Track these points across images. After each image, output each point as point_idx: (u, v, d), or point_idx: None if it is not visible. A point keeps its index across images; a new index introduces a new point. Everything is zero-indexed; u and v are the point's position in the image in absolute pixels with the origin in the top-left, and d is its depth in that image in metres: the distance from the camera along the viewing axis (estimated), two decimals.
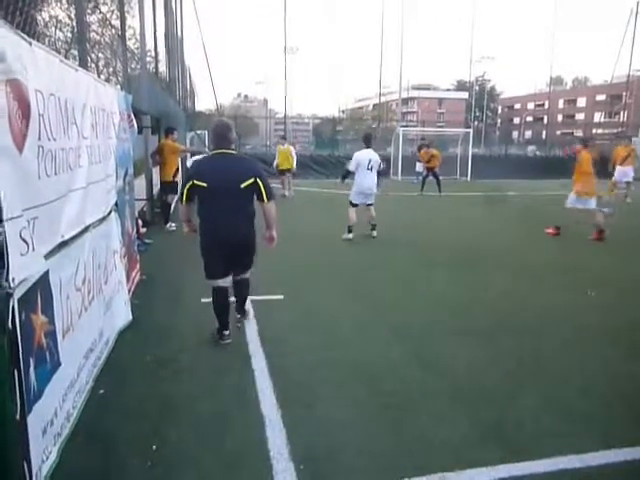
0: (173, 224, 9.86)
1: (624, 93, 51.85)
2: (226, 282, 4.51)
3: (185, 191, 4.35)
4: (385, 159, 17.92)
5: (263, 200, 4.37)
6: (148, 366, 4.04)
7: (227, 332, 4.51)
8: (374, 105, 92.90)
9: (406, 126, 39.74)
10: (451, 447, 3.01)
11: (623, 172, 15.40)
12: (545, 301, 5.87)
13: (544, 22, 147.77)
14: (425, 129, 31.12)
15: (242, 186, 4.24)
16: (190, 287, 6.01)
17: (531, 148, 37.78)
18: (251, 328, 4.82)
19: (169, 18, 15.17)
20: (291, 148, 16.59)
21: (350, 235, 9.27)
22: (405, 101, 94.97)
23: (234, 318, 4.85)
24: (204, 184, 4.24)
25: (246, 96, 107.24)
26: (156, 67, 12.42)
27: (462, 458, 2.89)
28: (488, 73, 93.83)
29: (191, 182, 4.28)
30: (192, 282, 6.13)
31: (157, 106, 10.41)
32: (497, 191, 18.05)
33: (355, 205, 9.41)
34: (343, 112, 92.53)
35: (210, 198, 4.27)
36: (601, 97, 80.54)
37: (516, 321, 5.20)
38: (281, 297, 5.77)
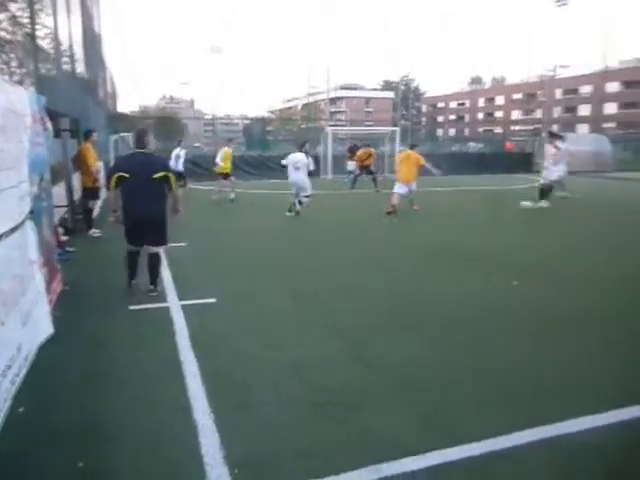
0: (97, 230, 9.47)
1: (538, 92, 54.85)
2: (137, 248, 5.83)
3: (113, 180, 5.61)
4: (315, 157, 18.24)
5: (171, 189, 5.75)
6: (72, 380, 3.85)
7: (134, 281, 5.89)
8: (303, 105, 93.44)
9: (335, 125, 40.09)
10: (389, 439, 3.06)
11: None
12: (476, 292, 6.09)
13: (465, 24, 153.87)
14: (353, 128, 31.63)
15: (154, 177, 5.54)
16: (117, 295, 5.80)
17: (472, 144, 39.25)
18: (182, 334, 4.70)
19: (86, 17, 14.56)
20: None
21: (290, 213, 11.70)
22: (333, 101, 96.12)
23: (147, 288, 5.85)
24: (127, 175, 5.56)
25: (172, 97, 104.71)
26: (73, 67, 11.86)
27: (399, 448, 2.94)
28: (412, 73, 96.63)
29: (117, 173, 5.60)
30: (119, 290, 5.92)
31: (75, 108, 9.95)
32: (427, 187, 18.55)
33: (306, 197, 11.65)
34: (272, 112, 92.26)
35: (130, 185, 5.57)
36: (518, 96, 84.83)
37: (449, 313, 5.36)
38: (214, 300, 5.65)
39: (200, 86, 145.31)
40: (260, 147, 30.54)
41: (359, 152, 18.66)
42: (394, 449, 2.93)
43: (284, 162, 11.97)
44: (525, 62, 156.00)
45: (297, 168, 11.43)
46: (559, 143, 13.99)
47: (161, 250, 6.02)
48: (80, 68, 13.76)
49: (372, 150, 18.60)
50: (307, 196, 11.63)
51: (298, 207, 11.67)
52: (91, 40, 15.60)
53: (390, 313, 5.36)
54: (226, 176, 15.33)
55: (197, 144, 41.81)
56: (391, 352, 4.37)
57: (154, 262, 5.88)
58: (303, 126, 46.67)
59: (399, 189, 12.32)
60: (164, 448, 2.99)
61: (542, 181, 14.08)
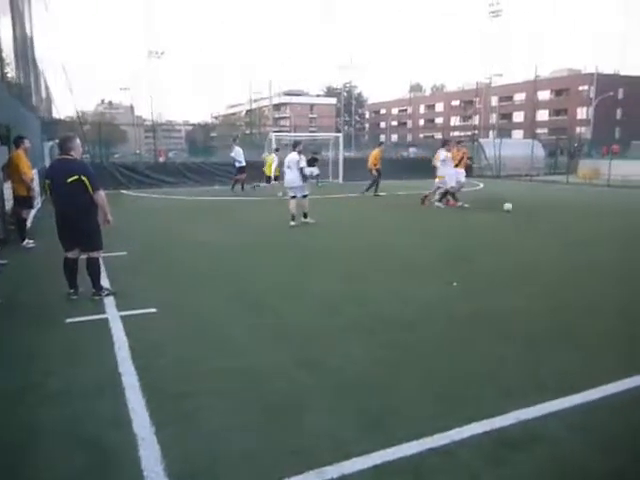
0: (30, 241, 9.07)
1: (475, 99, 56.90)
2: (74, 254, 5.87)
3: (46, 186, 5.89)
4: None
5: (90, 191, 5.64)
6: (9, 396, 3.68)
7: (72, 290, 5.87)
8: (247, 111, 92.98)
9: (279, 131, 40.10)
10: (333, 441, 3.08)
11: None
12: (416, 293, 6.24)
13: (405, 31, 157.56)
14: (297, 134, 31.68)
15: (68, 181, 5.57)
16: (53, 308, 5.58)
17: (412, 150, 40.07)
18: (121, 345, 4.57)
19: (17, 19, 13.99)
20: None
21: (292, 222, 11.22)
22: (277, 107, 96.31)
23: (90, 291, 5.91)
24: (49, 180, 5.77)
25: (110, 102, 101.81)
26: (2, 71, 11.36)
27: (342, 450, 2.96)
28: (355, 80, 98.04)
29: (46, 180, 5.83)
30: (55, 302, 5.72)
31: (4, 113, 9.53)
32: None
33: (292, 197, 11.40)
34: (216, 118, 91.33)
35: (54, 190, 5.76)
36: (456, 102, 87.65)
37: (392, 314, 5.46)
38: (154, 310, 5.52)
39: (141, 92, 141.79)
40: (204, 154, 30.16)
41: (375, 152, 18.51)
42: (337, 452, 2.96)
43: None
44: (462, 70, 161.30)
45: (289, 167, 11.30)
46: (444, 151, 14.64)
47: (97, 255, 5.95)
48: (10, 72, 13.20)
49: (380, 150, 18.85)
50: (304, 196, 11.46)
51: (305, 219, 11.53)
52: (22, 43, 14.99)
53: (334, 316, 5.41)
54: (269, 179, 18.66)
55: (137, 150, 40.74)
56: (335, 355, 4.40)
57: (89, 267, 5.90)
58: (247, 132, 46.43)
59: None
60: (103, 463, 2.90)
61: (441, 186, 14.69)
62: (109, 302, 5.78)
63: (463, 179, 15.19)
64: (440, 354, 4.44)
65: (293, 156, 11.23)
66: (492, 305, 5.77)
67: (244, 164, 19.76)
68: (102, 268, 7.15)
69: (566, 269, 7.58)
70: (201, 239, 9.86)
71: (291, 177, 11.30)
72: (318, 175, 21.93)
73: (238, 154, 19.77)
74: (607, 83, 62.63)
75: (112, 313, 5.43)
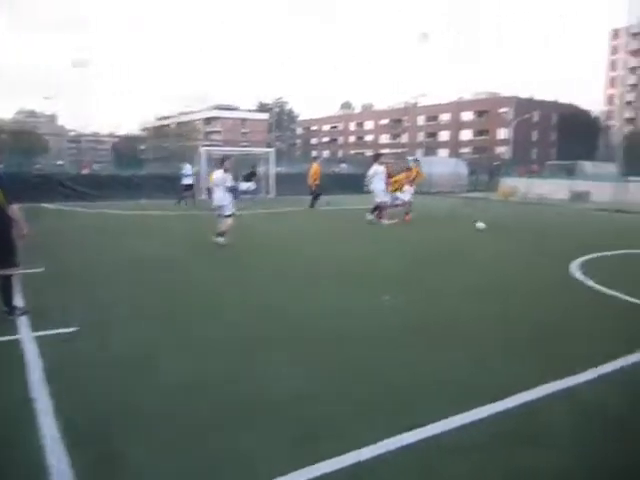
0: None
1: (403, 118, 58.80)
2: None
3: None
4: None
5: (4, 205, 5.34)
6: None
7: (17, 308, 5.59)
8: (177, 124, 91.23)
9: (210, 145, 39.58)
10: (264, 458, 3.02)
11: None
12: (346, 306, 6.27)
13: (337, 49, 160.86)
14: (229, 148, 31.44)
15: None
16: None
17: (343, 166, 40.69)
18: (35, 368, 4.26)
19: None
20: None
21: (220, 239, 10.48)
22: (208, 120, 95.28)
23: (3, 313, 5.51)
24: None
25: (32, 111, 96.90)
26: None
27: (274, 467, 2.90)
28: (286, 96, 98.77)
29: None
30: None
31: None
32: (297, 206, 18.97)
33: (225, 215, 10.73)
34: (145, 130, 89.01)
35: None
36: (385, 121, 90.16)
37: (321, 327, 5.46)
38: (72, 330, 5.21)
39: (64, 101, 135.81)
40: (131, 166, 29.25)
41: (314, 167, 19.19)
42: (267, 470, 2.89)
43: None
44: (391, 89, 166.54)
45: (216, 185, 10.88)
46: (376, 165, 15.22)
47: (11, 272, 5.54)
48: None
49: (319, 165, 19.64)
50: (227, 215, 10.63)
51: (217, 239, 10.41)
52: None
53: (260, 328, 5.33)
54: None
55: (60, 162, 38.96)
56: (258, 366, 4.34)
57: (4, 285, 5.53)
58: (179, 144, 45.56)
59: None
60: None
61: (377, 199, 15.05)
62: (23, 322, 5.41)
63: (409, 197, 15.67)
64: (370, 365, 4.46)
65: (219, 174, 10.86)
66: (424, 316, 5.90)
67: (190, 182, 20.22)
68: (17, 286, 6.74)
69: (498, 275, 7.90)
70: (123, 254, 9.50)
71: (219, 196, 10.76)
72: (254, 190, 22.02)
73: (187, 171, 20.35)
74: (524, 106, 66.59)
75: (26, 334, 5.07)
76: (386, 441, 3.17)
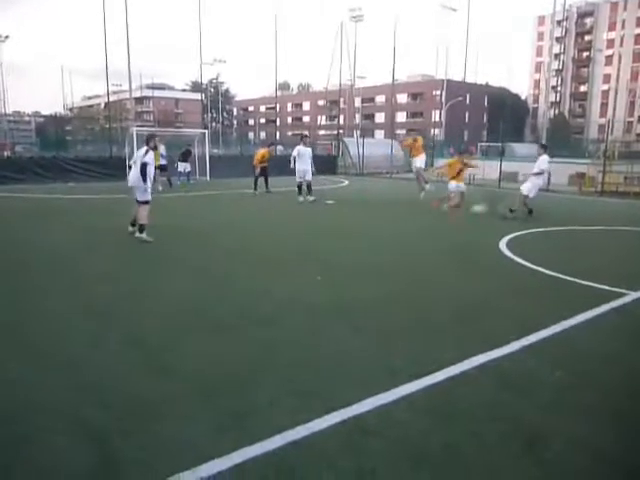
0: None
1: (340, 99, 58.98)
2: None
3: None
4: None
5: None
6: None
7: None
8: (105, 103, 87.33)
9: (142, 126, 38.24)
10: (190, 446, 2.98)
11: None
12: (279, 287, 6.28)
13: (273, 29, 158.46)
14: (162, 129, 30.53)
15: None
16: None
17: (279, 147, 40.12)
18: None
19: None
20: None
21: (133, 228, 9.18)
22: (140, 100, 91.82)
23: None
24: None
25: None
26: None
27: (200, 454, 2.88)
28: (222, 76, 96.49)
29: None
30: None
31: None
32: (234, 189, 18.73)
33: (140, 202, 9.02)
34: (71, 110, 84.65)
35: None
36: (322, 102, 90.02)
37: (256, 311, 5.44)
38: None
39: None
40: (57, 148, 27.79)
41: (262, 151, 18.25)
42: (190, 456, 2.87)
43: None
44: (328, 71, 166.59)
45: (134, 162, 9.04)
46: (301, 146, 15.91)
47: None
48: None
49: (268, 150, 18.58)
50: (142, 202, 8.86)
51: (138, 234, 8.92)
52: None
53: (190, 315, 5.26)
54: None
55: None
56: (191, 356, 4.29)
57: None
58: (107, 125, 43.59)
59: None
60: None
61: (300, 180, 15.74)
62: None
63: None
64: (297, 346, 4.51)
65: (140, 151, 9.03)
66: (349, 297, 6.00)
67: (163, 162, 19.20)
68: None
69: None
70: (48, 242, 9.07)
71: (131, 175, 9.01)
72: (189, 172, 21.48)
73: (162, 152, 19.32)
74: (456, 89, 68.35)
75: None
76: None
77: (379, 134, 73.61)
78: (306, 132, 24.88)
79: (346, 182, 24.50)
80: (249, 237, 9.93)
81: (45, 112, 77.13)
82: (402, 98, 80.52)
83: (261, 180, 17.86)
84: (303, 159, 15.64)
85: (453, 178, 13.52)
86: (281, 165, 26.34)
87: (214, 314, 5.34)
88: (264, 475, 2.75)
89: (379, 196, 18.41)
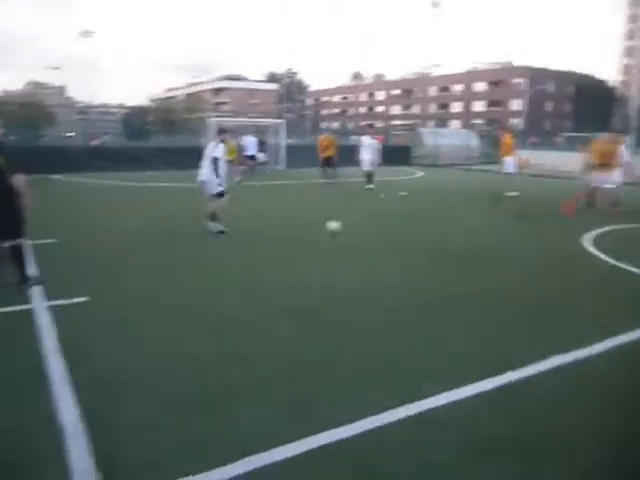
0: None
1: (414, 89, 57.91)
2: None
3: None
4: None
5: (7, 173, 5.29)
6: None
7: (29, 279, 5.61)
8: (186, 95, 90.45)
9: (219, 116, 39.31)
10: (259, 430, 3.07)
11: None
12: (347, 280, 6.30)
13: (348, 19, 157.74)
14: (238, 119, 31.23)
15: None
16: None
17: (354, 138, 40.12)
18: (48, 337, 4.36)
19: None
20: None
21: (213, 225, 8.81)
22: (217, 91, 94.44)
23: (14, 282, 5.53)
24: None
25: (40, 82, 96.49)
26: None
27: (270, 439, 2.95)
28: (296, 66, 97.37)
29: None
30: None
31: None
32: (308, 179, 18.89)
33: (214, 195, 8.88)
34: (153, 102, 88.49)
35: None
36: (396, 91, 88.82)
37: (326, 302, 5.49)
38: (86, 299, 5.30)
39: (73, 72, 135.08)
40: (140, 138, 29.20)
41: (320, 138, 17.48)
42: (255, 441, 2.94)
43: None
44: (403, 59, 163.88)
45: (205, 158, 8.73)
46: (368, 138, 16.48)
47: (19, 243, 5.53)
48: None
49: (332, 138, 17.45)
50: (217, 194, 8.73)
51: (211, 228, 8.78)
52: None
53: (267, 304, 5.38)
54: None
55: (70, 133, 38.91)
56: (266, 343, 4.39)
57: (13, 256, 5.54)
58: (186, 116, 45.29)
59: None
60: (28, 461, 2.77)
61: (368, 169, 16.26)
62: (36, 292, 5.50)
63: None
64: (373, 340, 4.51)
65: (210, 144, 8.93)
66: (426, 289, 5.91)
67: (251, 153, 19.95)
68: (30, 256, 6.84)
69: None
70: (135, 226, 9.56)
71: (204, 169, 8.69)
72: (265, 162, 21.93)
73: (247, 144, 20.10)
74: (539, 76, 65.31)
75: (39, 303, 5.17)
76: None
77: (455, 124, 71.77)
78: (371, 123, 24.39)
79: (420, 173, 24.09)
80: (321, 227, 10.01)
81: (129, 104, 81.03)
82: (480, 86, 77.95)
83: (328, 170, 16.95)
84: (367, 149, 16.15)
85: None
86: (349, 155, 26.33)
87: (291, 301, 5.44)
88: (335, 462, 2.79)
89: (454, 188, 17.92)
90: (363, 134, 17.01)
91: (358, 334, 4.60)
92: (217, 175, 8.67)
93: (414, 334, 4.61)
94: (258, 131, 24.40)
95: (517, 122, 64.79)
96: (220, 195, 8.80)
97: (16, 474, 2.69)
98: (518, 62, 73.74)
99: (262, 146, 22.27)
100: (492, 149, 33.10)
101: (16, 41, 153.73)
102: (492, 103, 76.33)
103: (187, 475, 2.63)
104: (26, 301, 5.23)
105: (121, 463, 2.76)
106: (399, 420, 3.17)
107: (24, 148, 20.35)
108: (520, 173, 15.77)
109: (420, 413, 3.26)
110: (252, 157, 20.15)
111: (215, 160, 8.61)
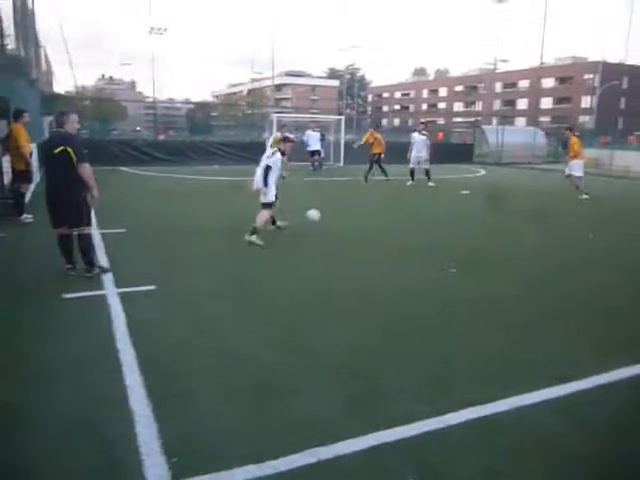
0: (29, 216, 9.04)
1: (478, 84, 56.46)
2: (63, 230, 5.77)
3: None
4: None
5: (74, 163, 5.50)
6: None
7: (69, 266, 5.88)
8: (248, 90, 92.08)
9: (280, 112, 39.78)
10: (325, 423, 3.11)
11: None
12: (408, 278, 6.24)
13: (410, 15, 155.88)
14: (299, 115, 31.54)
15: (56, 152, 5.51)
16: (50, 283, 5.58)
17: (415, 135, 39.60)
18: (119, 322, 4.58)
19: None
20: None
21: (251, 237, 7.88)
22: (279, 87, 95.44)
23: (83, 268, 5.86)
24: (45, 153, 5.93)
25: (111, 77, 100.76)
26: (2, 43, 11.21)
27: (333, 432, 2.99)
28: (358, 62, 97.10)
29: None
30: (52, 277, 5.70)
31: (4, 86, 9.43)
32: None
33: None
34: (217, 97, 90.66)
35: (45, 162, 5.98)
36: (459, 88, 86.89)
37: (382, 299, 5.47)
38: (153, 287, 5.52)
39: (142, 68, 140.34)
40: (204, 132, 29.99)
41: (365, 136, 17.75)
42: (323, 433, 2.98)
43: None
44: (467, 55, 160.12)
45: (259, 165, 8.17)
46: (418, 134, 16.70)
47: (85, 231, 5.79)
48: (10, 44, 13.04)
49: (377, 135, 17.24)
50: (263, 204, 8.02)
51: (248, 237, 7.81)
52: (23, 15, 14.78)
53: (326, 300, 5.41)
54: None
55: (137, 128, 40.50)
56: (325, 338, 4.42)
57: (81, 244, 5.80)
58: (248, 112, 46.02)
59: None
60: (98, 439, 2.92)
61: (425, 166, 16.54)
62: (107, 278, 5.78)
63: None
64: (429, 338, 4.45)
65: (267, 151, 8.40)
66: (487, 291, 5.78)
67: (314, 148, 20.37)
68: (100, 244, 7.18)
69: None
70: (200, 219, 9.83)
71: (257, 177, 8.10)
72: (323, 158, 21.97)
73: (310, 138, 20.56)
74: (612, 72, 62.11)
75: (110, 290, 5.43)
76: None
77: (520, 121, 69.46)
78: (422, 120, 23.94)
79: (482, 172, 23.50)
80: (373, 223, 9.96)
81: (194, 99, 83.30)
82: (548, 83, 75.01)
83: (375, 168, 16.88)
84: (417, 146, 16.40)
85: None
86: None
87: (342, 299, 5.46)
88: (397, 461, 2.79)
89: (519, 188, 17.37)
90: (417, 131, 16.94)
91: (424, 332, 4.56)
92: (265, 184, 7.91)
93: (483, 336, 4.52)
94: (320, 126, 24.47)
95: (587, 120, 61.94)
96: (264, 206, 8.02)
97: (89, 453, 2.84)
98: (591, 57, 70.40)
99: (322, 142, 22.30)
100: (559, 148, 31.94)
101: (94, 38, 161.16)
102: (560, 100, 73.35)
103: (246, 465, 2.70)
104: (100, 287, 5.51)
105: (188, 447, 2.86)
106: (461, 423, 3.13)
107: (95, 141, 21.37)
108: (585, 174, 14.77)
109: (484, 417, 3.20)
110: (315, 152, 20.21)
111: (267, 169, 7.90)
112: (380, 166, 16.94)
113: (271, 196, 8.00)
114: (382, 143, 17.09)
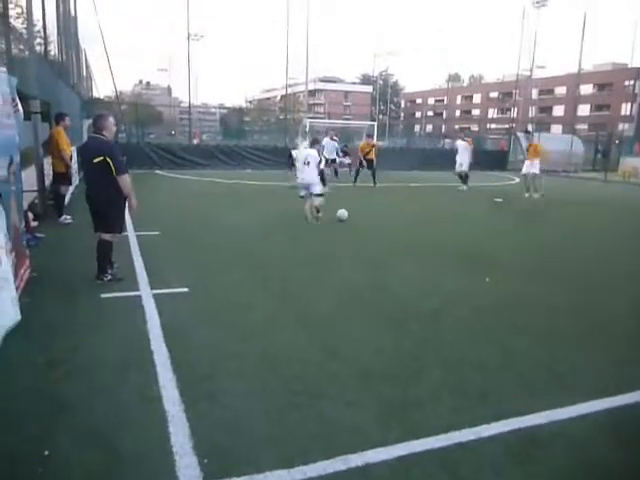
0: (68, 217, 9.28)
1: (514, 91, 55.62)
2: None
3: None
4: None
5: (113, 174, 5.44)
6: (39, 367, 3.78)
7: (106, 273, 5.78)
8: (281, 96, 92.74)
9: (313, 118, 39.94)
10: (355, 429, 3.09)
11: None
12: (445, 286, 6.16)
13: (443, 20, 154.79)
14: (332, 121, 31.60)
15: (94, 161, 5.45)
16: (87, 283, 5.70)
17: (448, 141, 39.24)
18: (153, 323, 4.65)
19: None
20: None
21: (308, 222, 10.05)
22: (312, 93, 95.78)
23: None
24: (82, 158, 6.15)
25: (148, 83, 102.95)
26: (45, 49, 11.57)
27: (365, 439, 2.97)
28: (391, 68, 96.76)
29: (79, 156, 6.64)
30: (89, 278, 5.82)
31: (46, 90, 9.72)
32: (401, 182, 18.71)
33: (301, 197, 10.45)
34: (250, 102, 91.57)
35: (83, 167, 6.21)
36: (494, 94, 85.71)
37: (420, 306, 5.42)
38: (186, 290, 5.61)
39: (178, 73, 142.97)
40: (237, 137, 30.33)
41: (360, 144, 19.23)
42: (355, 440, 2.97)
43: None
44: (502, 61, 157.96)
45: (307, 164, 10.09)
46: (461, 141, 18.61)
47: (107, 238, 5.74)
48: (53, 50, 13.44)
49: (374, 142, 19.19)
50: (318, 195, 10.13)
51: (317, 214, 10.11)
52: (66, 21, 15.23)
53: (359, 304, 5.39)
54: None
55: (172, 132, 41.19)
56: (357, 342, 4.41)
57: (98, 249, 5.74)
58: (281, 117, 46.34)
59: None
60: (132, 438, 2.96)
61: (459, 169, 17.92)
62: (142, 280, 5.89)
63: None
64: (466, 346, 4.38)
65: (313, 152, 10.23)
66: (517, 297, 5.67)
67: (331, 157, 19.42)
68: (135, 246, 7.33)
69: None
70: (233, 222, 9.93)
71: (308, 174, 10.09)
72: (350, 164, 21.97)
73: (326, 146, 19.57)
74: None
75: (145, 291, 5.53)
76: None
77: (556, 128, 68.09)
78: (467, 126, 24.57)
79: (516, 180, 23.07)
80: (407, 229, 9.89)
81: (228, 104, 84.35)
82: (586, 89, 73.37)
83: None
84: (459, 152, 18.14)
85: None
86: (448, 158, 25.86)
87: (377, 305, 5.43)
88: (428, 472, 2.75)
89: (554, 196, 17.03)
90: (455, 138, 18.32)
91: (461, 340, 4.50)
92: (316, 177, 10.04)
93: (522, 345, 4.44)
94: (340, 134, 24.25)
95: (626, 128, 60.29)
96: (320, 195, 10.14)
97: (123, 450, 2.88)
98: (632, 64, 68.52)
99: (346, 149, 22.09)
100: (596, 155, 31.20)
101: (133, 44, 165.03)
102: (598, 107, 71.67)
103: (277, 469, 2.71)
104: (135, 288, 5.61)
105: (219, 449, 2.88)
106: (496, 435, 3.07)
107: (132, 145, 21.83)
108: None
109: (520, 429, 3.14)
110: (331, 161, 19.82)
111: (319, 165, 10.16)
112: (373, 172, 17.65)
113: (321, 187, 10.18)
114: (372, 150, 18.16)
